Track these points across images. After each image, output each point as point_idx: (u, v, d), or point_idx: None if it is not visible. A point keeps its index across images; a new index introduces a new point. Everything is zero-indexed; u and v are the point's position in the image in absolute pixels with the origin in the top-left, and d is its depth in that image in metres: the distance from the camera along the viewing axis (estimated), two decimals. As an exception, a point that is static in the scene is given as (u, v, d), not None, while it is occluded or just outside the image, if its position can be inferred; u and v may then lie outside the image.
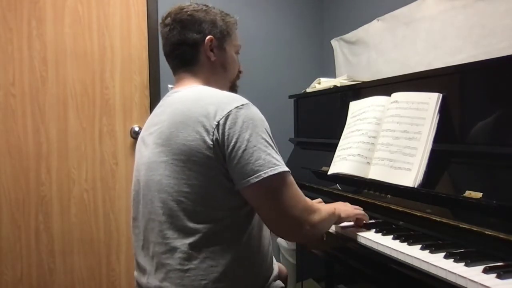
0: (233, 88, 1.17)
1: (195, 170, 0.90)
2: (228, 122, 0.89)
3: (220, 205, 0.93)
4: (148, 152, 1.00)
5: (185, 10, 1.06)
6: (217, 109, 0.91)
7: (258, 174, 0.87)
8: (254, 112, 0.93)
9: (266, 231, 1.06)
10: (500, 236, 0.92)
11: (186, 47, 1.06)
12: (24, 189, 2.02)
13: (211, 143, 0.89)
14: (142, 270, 1.01)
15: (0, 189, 1.98)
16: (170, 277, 0.91)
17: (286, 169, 0.91)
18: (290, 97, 2.20)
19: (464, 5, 1.58)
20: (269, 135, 0.93)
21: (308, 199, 0.97)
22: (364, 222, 1.19)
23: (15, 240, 2.01)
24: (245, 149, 0.88)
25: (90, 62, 2.12)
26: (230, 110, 0.90)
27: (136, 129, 2.19)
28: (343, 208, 1.15)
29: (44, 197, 2.06)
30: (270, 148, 0.91)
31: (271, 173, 0.88)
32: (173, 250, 0.92)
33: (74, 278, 2.11)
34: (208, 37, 1.06)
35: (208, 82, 1.07)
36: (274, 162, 0.89)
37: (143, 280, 1.00)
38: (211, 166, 0.90)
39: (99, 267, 2.17)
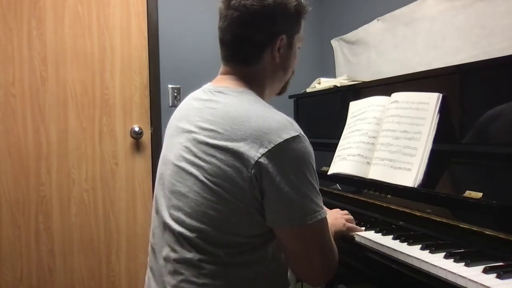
0: (284, 87, 1.08)
1: (225, 197, 0.83)
2: (273, 158, 0.80)
3: (243, 233, 0.86)
4: (177, 151, 0.92)
5: None
6: (262, 139, 0.80)
7: (295, 220, 0.82)
8: (304, 146, 0.83)
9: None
10: (500, 236, 0.92)
11: (250, 46, 0.92)
12: (24, 189, 2.02)
13: (249, 175, 0.80)
14: (157, 262, 0.96)
15: (0, 189, 1.98)
16: (182, 286, 0.87)
17: (324, 214, 0.86)
18: (290, 97, 2.19)
19: (464, 5, 1.58)
20: (314, 172, 0.85)
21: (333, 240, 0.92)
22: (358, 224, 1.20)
23: (15, 240, 2.01)
24: (288, 192, 0.80)
25: (90, 62, 2.12)
26: (278, 143, 0.80)
27: (136, 129, 2.19)
28: (336, 223, 1.13)
29: (44, 197, 2.05)
30: (313, 190, 0.84)
31: (309, 222, 0.82)
32: (188, 261, 0.87)
33: (74, 278, 2.11)
34: (280, 36, 0.93)
35: (263, 84, 0.97)
36: (314, 209, 0.83)
37: (156, 272, 0.96)
38: (243, 198, 0.82)
39: (99, 267, 2.17)
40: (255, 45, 0.93)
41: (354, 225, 1.18)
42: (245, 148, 0.81)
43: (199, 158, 0.86)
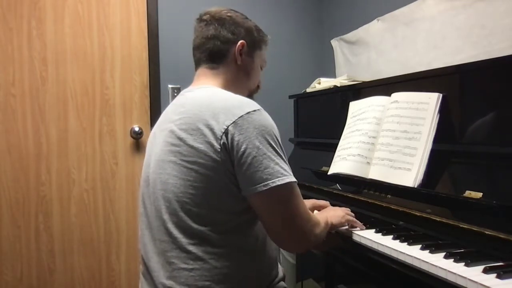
0: (250, 97, 1.15)
1: (201, 172, 0.90)
2: (238, 128, 0.89)
3: (224, 208, 0.93)
4: (158, 150, 1.00)
5: (225, 11, 1.09)
6: (227, 113, 0.90)
7: (266, 183, 0.88)
8: (266, 118, 0.93)
9: None
10: (500, 236, 0.92)
11: (217, 42, 1.06)
12: (24, 189, 2.02)
13: (219, 147, 0.89)
14: (147, 265, 1.01)
15: (0, 189, 1.98)
16: (174, 276, 0.92)
17: (294, 179, 0.92)
18: (290, 97, 2.20)
19: (464, 5, 1.58)
20: (279, 143, 0.93)
21: (309, 211, 0.98)
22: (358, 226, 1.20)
23: (15, 240, 2.01)
24: (255, 156, 0.88)
25: (90, 62, 2.12)
26: (241, 116, 0.90)
27: (136, 129, 2.19)
28: (334, 214, 1.17)
29: (44, 197, 2.05)
30: (279, 157, 0.91)
31: (279, 183, 0.88)
32: (178, 249, 0.92)
33: (74, 278, 2.11)
34: (241, 41, 1.07)
35: (227, 84, 1.07)
36: (282, 172, 0.89)
37: (148, 274, 1.00)
38: (218, 170, 0.90)
39: (99, 267, 2.17)
40: (220, 42, 1.07)
41: (354, 219, 1.19)
42: (213, 124, 0.90)
43: (175, 145, 0.95)
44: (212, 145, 0.89)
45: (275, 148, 0.91)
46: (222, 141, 0.89)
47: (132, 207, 2.22)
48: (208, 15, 1.09)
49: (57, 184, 2.07)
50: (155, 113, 2.23)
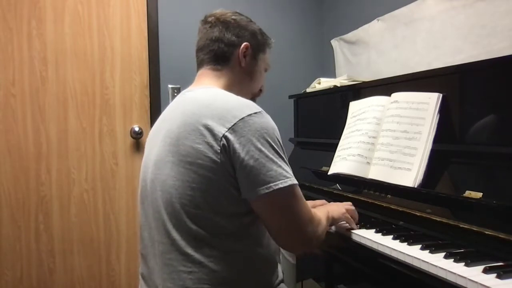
0: (253, 100, 1.15)
1: (200, 173, 0.89)
2: (239, 130, 0.88)
3: (224, 211, 0.91)
4: (156, 150, 1.00)
5: (230, 14, 1.10)
6: (227, 115, 0.89)
7: (269, 185, 0.87)
8: (266, 120, 0.92)
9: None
10: (500, 236, 0.92)
11: (222, 45, 1.07)
12: (24, 189, 2.02)
13: (218, 148, 0.88)
14: (147, 266, 1.01)
15: (0, 189, 1.98)
16: (173, 278, 0.91)
17: (296, 181, 0.91)
18: (290, 97, 2.20)
19: (464, 5, 1.58)
20: (280, 145, 0.93)
21: (312, 210, 0.98)
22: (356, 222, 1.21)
23: (15, 240, 2.01)
24: (257, 159, 0.87)
25: (90, 62, 2.12)
26: (242, 118, 0.89)
27: (136, 129, 2.19)
28: (336, 208, 1.17)
29: (44, 197, 2.05)
30: (281, 159, 0.91)
31: (282, 186, 0.88)
32: (176, 251, 0.91)
33: (74, 278, 2.11)
34: (245, 43, 1.08)
35: (230, 86, 1.07)
36: (284, 175, 0.89)
37: (147, 276, 1.00)
38: (217, 172, 0.89)
39: (99, 267, 2.17)
40: (225, 44, 1.07)
41: (350, 218, 1.19)
42: (213, 125, 0.89)
43: (173, 145, 0.94)
44: (211, 146, 0.88)
45: (277, 150, 0.90)
46: (222, 142, 0.87)
47: (132, 207, 2.22)
48: (213, 17, 1.09)
49: (57, 184, 2.07)
50: (155, 113, 2.24)
